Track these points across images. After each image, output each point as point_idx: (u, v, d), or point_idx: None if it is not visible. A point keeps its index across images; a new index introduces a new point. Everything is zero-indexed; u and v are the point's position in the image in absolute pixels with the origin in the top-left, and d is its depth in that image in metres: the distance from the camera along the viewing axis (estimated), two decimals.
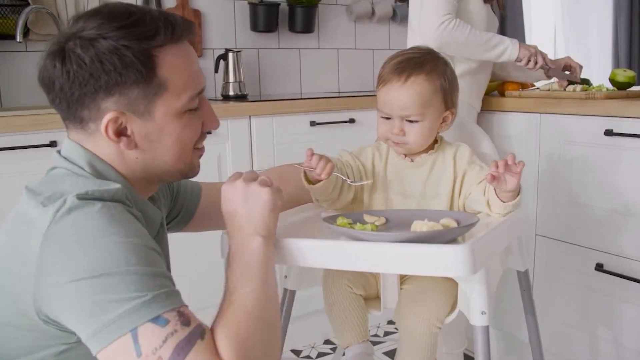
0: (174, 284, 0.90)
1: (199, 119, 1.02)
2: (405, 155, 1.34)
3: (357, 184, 1.29)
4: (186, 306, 0.88)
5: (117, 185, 0.92)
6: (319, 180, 1.23)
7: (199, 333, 0.85)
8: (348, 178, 1.27)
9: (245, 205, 1.01)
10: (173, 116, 0.96)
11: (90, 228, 0.84)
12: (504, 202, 1.21)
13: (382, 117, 1.33)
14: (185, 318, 0.85)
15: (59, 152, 0.99)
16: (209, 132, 1.09)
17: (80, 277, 0.82)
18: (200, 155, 1.07)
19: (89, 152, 0.96)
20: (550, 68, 2.02)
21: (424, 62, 1.30)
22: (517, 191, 1.21)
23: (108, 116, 0.92)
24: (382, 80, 1.31)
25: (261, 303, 0.93)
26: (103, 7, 0.94)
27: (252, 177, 1.04)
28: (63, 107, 0.94)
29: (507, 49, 1.93)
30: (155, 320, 0.82)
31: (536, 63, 1.96)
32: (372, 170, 1.35)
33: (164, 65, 0.93)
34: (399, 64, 1.29)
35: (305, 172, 1.25)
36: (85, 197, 0.87)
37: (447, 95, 1.32)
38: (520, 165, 1.18)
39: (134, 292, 0.82)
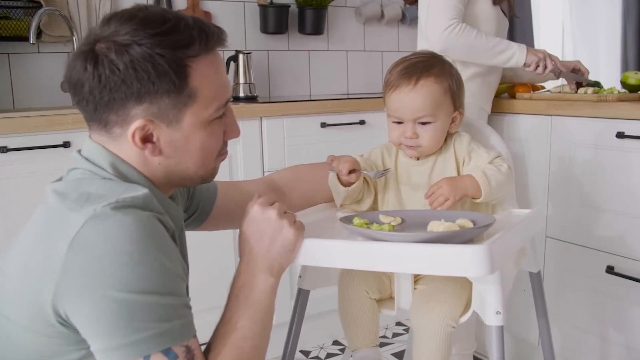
0: (190, 308, 0.94)
1: (223, 127, 1.02)
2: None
3: (378, 176, 1.33)
4: (195, 336, 0.92)
5: (145, 190, 0.92)
6: (351, 183, 1.29)
7: None
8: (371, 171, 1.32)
9: (271, 240, 1.04)
10: (199, 126, 0.97)
11: (123, 240, 0.85)
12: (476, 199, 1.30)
13: (394, 122, 1.35)
14: (191, 355, 0.89)
15: (79, 152, 0.99)
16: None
17: (107, 289, 0.84)
18: (223, 159, 1.08)
19: (112, 154, 0.96)
20: (561, 72, 2.01)
21: (431, 65, 1.33)
22: (474, 194, 1.28)
23: (136, 123, 0.92)
24: (391, 86, 1.33)
25: (257, 350, 0.99)
26: (137, 11, 0.93)
27: (284, 209, 1.06)
28: (89, 109, 0.94)
29: (514, 55, 1.92)
30: (167, 352, 0.87)
31: (545, 67, 1.95)
32: (383, 167, 1.38)
33: (196, 75, 0.93)
34: (407, 68, 1.32)
35: (338, 176, 1.31)
36: (117, 206, 0.87)
37: (455, 96, 1.35)
38: (437, 200, 1.25)
39: (155, 321, 0.86)
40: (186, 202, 1.24)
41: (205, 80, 0.94)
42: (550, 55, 1.98)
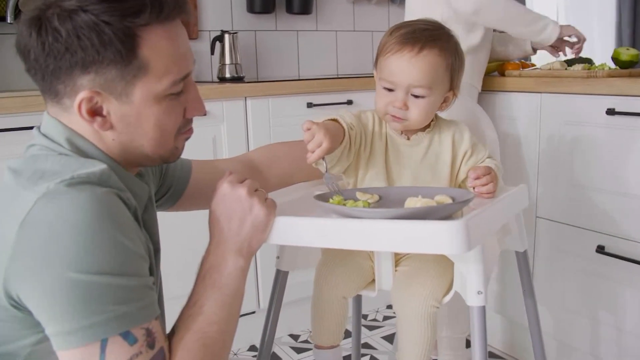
0: (151, 288, 0.89)
1: (182, 104, 0.96)
2: (402, 132, 1.29)
3: (329, 184, 1.17)
4: (157, 319, 0.88)
5: (103, 165, 0.88)
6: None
7: (160, 359, 0.87)
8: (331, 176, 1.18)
9: (241, 219, 0.99)
10: (152, 100, 0.91)
11: (78, 218, 0.80)
12: None
13: (385, 88, 1.25)
14: (151, 339, 0.86)
15: (38, 128, 0.95)
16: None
17: (61, 270, 0.79)
18: (187, 138, 1.02)
19: (68, 128, 0.92)
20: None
21: (438, 37, 1.23)
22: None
23: (81, 95, 0.88)
24: (389, 49, 1.22)
25: (223, 335, 0.95)
26: None
27: (255, 187, 1.02)
28: (38, 78, 0.90)
29: (548, 26, 1.84)
30: (126, 335, 0.83)
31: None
32: (372, 137, 1.29)
33: (147, 46, 0.88)
34: (412, 33, 1.22)
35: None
36: (72, 183, 0.82)
37: (455, 75, 1.26)
38: (484, 184, 1.20)
39: (112, 303, 0.82)
40: (159, 181, 1.20)
41: (158, 52, 0.89)
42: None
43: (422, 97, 1.23)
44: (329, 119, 1.20)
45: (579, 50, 1.92)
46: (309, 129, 1.12)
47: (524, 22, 1.83)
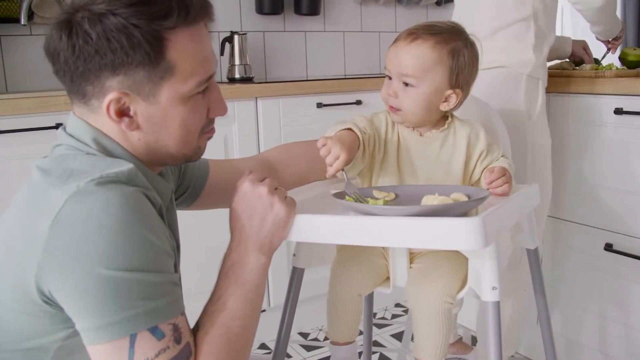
0: (177, 284, 0.92)
1: (206, 104, 0.99)
2: (414, 128, 1.31)
3: (348, 189, 1.16)
4: (183, 314, 0.91)
5: (130, 165, 0.90)
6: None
7: (186, 354, 0.89)
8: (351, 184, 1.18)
9: (262, 217, 1.01)
10: (178, 101, 0.93)
11: (107, 217, 0.82)
12: None
13: (387, 77, 1.30)
14: (178, 334, 0.88)
15: (63, 128, 0.97)
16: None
17: (91, 266, 0.82)
18: (209, 138, 1.05)
19: (94, 129, 0.94)
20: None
21: (440, 33, 1.25)
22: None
23: (110, 96, 0.90)
24: (393, 41, 1.28)
25: (245, 330, 0.97)
26: None
27: (275, 185, 1.04)
28: (67, 80, 0.92)
29: (617, 23, 1.99)
30: (154, 330, 0.85)
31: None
32: (385, 139, 1.31)
33: (174, 48, 0.90)
34: (415, 28, 1.27)
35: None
36: (101, 182, 0.84)
37: (453, 74, 1.26)
38: (500, 186, 1.20)
39: (141, 299, 0.84)
40: (177, 180, 1.22)
41: (184, 54, 0.91)
42: None
43: (412, 86, 1.25)
44: (342, 129, 1.22)
45: (617, 47, 2.04)
46: (324, 145, 1.13)
47: (614, 19, 1.96)
